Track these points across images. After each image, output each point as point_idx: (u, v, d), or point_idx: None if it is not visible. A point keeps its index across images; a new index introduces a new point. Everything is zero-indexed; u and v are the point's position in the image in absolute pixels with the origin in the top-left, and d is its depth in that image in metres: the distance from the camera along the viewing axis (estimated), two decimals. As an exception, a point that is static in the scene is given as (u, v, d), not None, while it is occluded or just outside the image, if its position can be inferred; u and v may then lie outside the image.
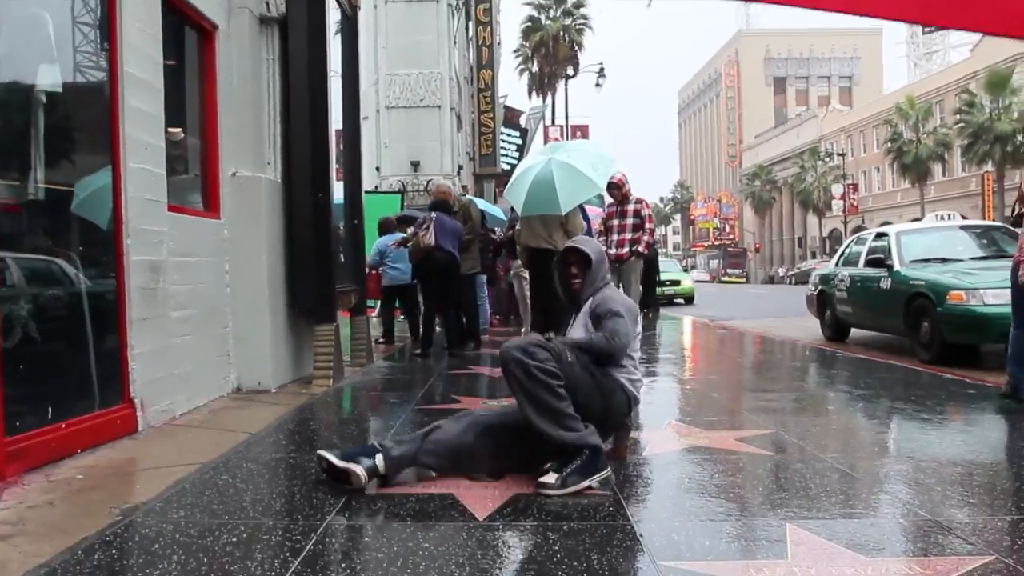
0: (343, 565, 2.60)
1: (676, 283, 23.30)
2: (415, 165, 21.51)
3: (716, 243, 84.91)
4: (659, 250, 23.06)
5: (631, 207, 8.48)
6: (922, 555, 2.51)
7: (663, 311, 17.45)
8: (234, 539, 2.74)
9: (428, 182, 21.34)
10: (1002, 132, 34.93)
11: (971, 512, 2.95)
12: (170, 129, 5.11)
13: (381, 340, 10.60)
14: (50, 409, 3.85)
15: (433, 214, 8.32)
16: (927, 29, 65.57)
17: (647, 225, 8.61)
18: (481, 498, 3.18)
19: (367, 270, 10.77)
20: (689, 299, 23.52)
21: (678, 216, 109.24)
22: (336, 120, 7.57)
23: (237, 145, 5.96)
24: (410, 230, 8.91)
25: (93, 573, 2.45)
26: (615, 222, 8.56)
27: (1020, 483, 3.40)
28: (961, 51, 58.32)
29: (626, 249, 8.42)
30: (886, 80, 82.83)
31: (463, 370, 7.50)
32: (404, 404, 5.64)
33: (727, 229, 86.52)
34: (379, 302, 11.37)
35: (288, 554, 2.59)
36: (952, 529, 2.77)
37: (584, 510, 3.08)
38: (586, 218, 8.81)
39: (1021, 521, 2.83)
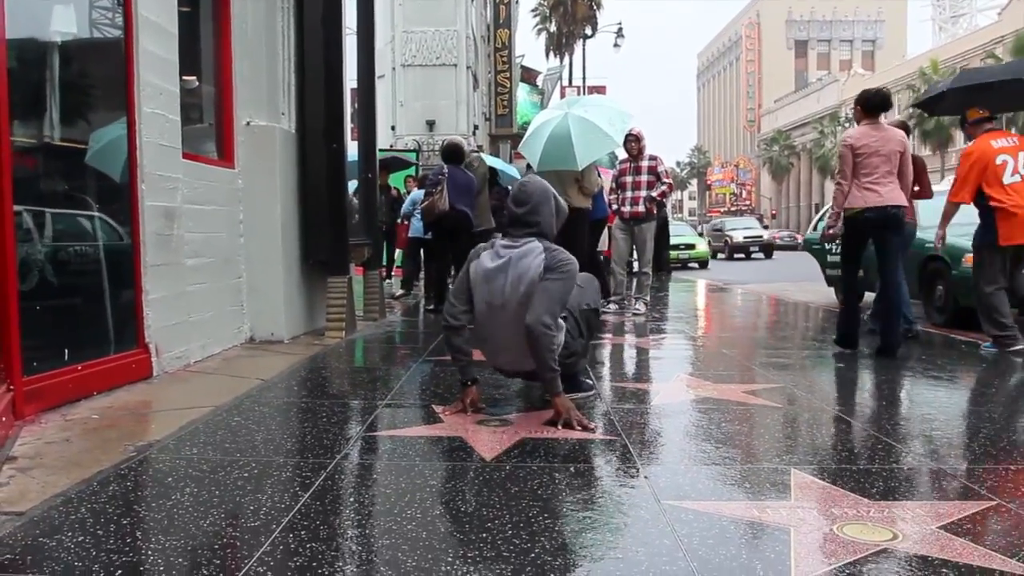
0: (352, 499, 2.65)
1: (691, 247, 23.24)
2: (430, 124, 21.43)
3: (732, 208, 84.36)
4: (671, 214, 22.82)
5: (645, 164, 8.37)
6: (925, 499, 2.52)
7: (676, 274, 17.44)
8: (245, 475, 2.79)
9: (443, 142, 21.29)
10: (1027, 98, 34.32)
11: (976, 462, 2.97)
12: (185, 76, 5.11)
13: (399, 294, 10.69)
14: (67, 352, 3.92)
15: (445, 168, 8.28)
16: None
17: (664, 180, 8.50)
18: (489, 441, 3.22)
19: (399, 220, 10.99)
20: (704, 263, 23.47)
21: (695, 181, 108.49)
22: (351, 77, 7.54)
23: (251, 94, 5.96)
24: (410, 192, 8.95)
25: (108, 503, 2.50)
26: (628, 179, 8.44)
27: (1027, 436, 3.41)
28: (988, 15, 57.18)
29: (641, 207, 8.35)
30: (910, 44, 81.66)
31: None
32: (416, 356, 5.68)
33: (744, 195, 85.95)
34: (403, 252, 11.62)
35: (298, 488, 2.64)
36: (957, 476, 2.78)
37: (590, 453, 3.12)
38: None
39: (1026, 470, 2.84)
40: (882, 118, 5.71)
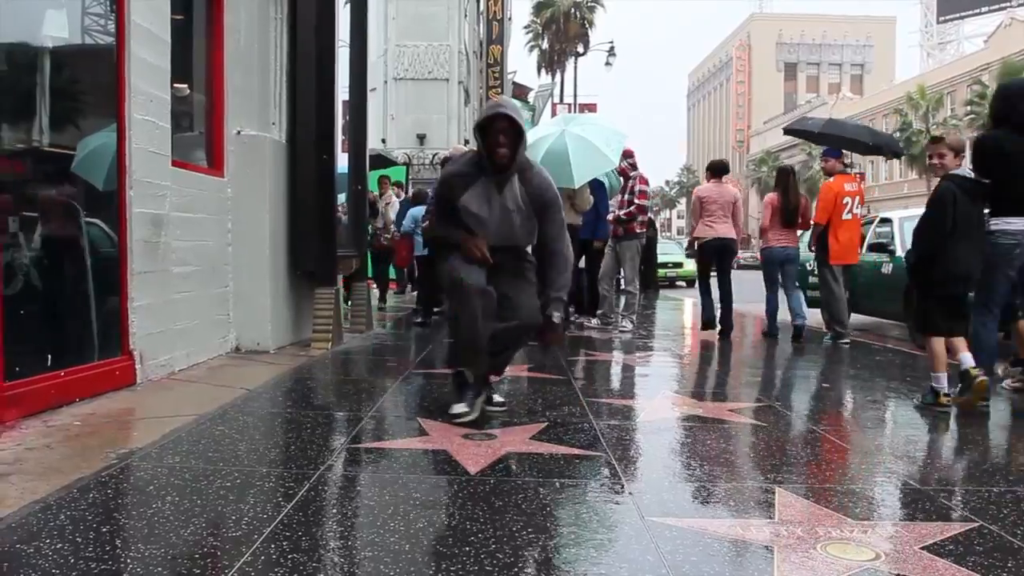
0: (335, 511, 2.63)
1: (678, 265, 23.28)
2: (421, 138, 21.46)
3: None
4: (660, 231, 22.62)
5: (631, 184, 8.44)
6: (908, 520, 2.53)
7: (663, 292, 17.49)
8: (228, 484, 2.77)
9: (434, 156, 21.28)
10: (1012, 125, 34.68)
11: (960, 483, 2.98)
12: (176, 84, 5.10)
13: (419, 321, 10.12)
14: (50, 357, 3.88)
15: None
16: (942, 18, 65.08)
17: (636, 200, 8.37)
18: (474, 455, 3.20)
19: (399, 236, 10.67)
20: (691, 282, 23.49)
21: (683, 200, 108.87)
22: (343, 90, 7.54)
23: (243, 104, 5.96)
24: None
25: (88, 510, 2.47)
26: (617, 198, 8.54)
27: (1010, 459, 3.43)
28: (975, 42, 57.90)
29: (620, 227, 8.42)
30: (898, 69, 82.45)
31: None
32: (402, 368, 5.67)
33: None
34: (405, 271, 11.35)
35: (281, 499, 2.62)
36: (940, 498, 2.79)
37: (575, 468, 3.12)
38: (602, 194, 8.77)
39: (1008, 492, 2.85)
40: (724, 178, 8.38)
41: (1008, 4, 51.90)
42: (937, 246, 4.39)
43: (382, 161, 13.21)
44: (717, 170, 8.36)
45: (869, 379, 5.71)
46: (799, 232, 8.19)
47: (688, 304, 14.27)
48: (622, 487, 2.85)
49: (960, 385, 4.35)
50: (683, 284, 23.05)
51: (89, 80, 4.56)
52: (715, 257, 8.19)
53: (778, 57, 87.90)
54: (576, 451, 3.35)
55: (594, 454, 3.30)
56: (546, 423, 3.82)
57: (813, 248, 8.01)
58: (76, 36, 4.46)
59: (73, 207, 4.30)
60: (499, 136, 3.73)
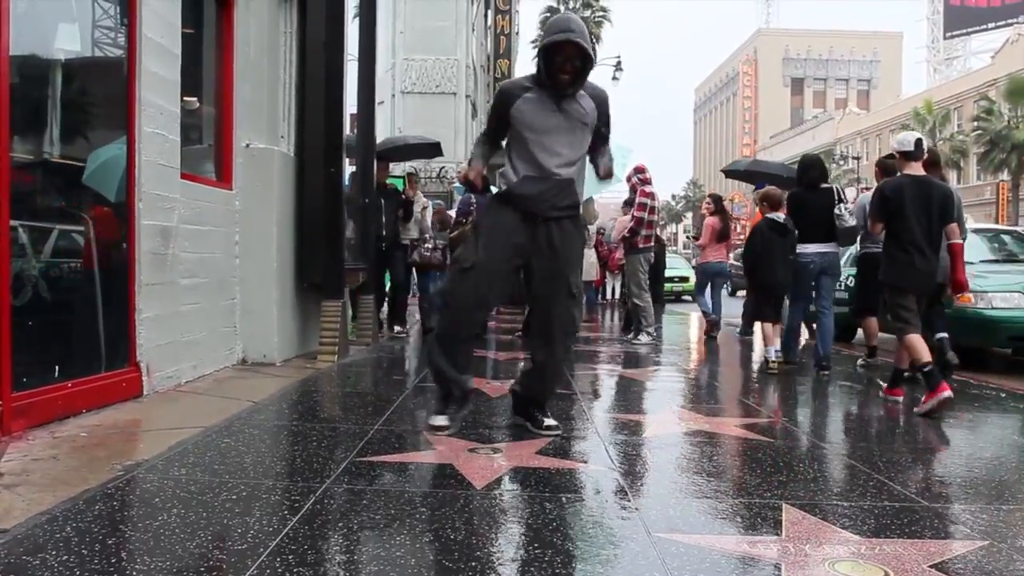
0: (340, 524, 2.62)
1: (684, 279, 23.23)
2: (428, 151, 21.42)
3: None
4: (666, 246, 22.79)
5: (635, 198, 8.50)
6: (916, 537, 2.51)
7: (669, 307, 17.45)
8: (234, 497, 2.76)
9: (441, 169, 21.33)
10: (1020, 140, 34.62)
11: (968, 501, 2.96)
12: (186, 97, 5.13)
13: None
14: (57, 368, 3.89)
15: (473, 196, 8.26)
16: (949, 34, 65.17)
17: (634, 213, 8.46)
18: (480, 469, 3.20)
19: (435, 250, 10.37)
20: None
21: (689, 214, 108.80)
22: (351, 103, 7.58)
23: (252, 117, 5.99)
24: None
25: (94, 522, 2.47)
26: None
27: (1019, 476, 3.40)
28: (982, 58, 57.90)
29: (624, 242, 8.51)
30: (905, 85, 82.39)
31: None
32: (408, 381, 5.67)
33: (738, 229, 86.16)
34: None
35: (287, 512, 2.62)
36: (948, 515, 2.77)
37: (582, 483, 3.11)
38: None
39: (1017, 510, 2.84)
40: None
41: (1015, 20, 51.92)
42: (753, 265, 6.93)
43: (409, 151, 12.65)
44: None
45: (877, 395, 5.68)
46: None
47: (694, 318, 14.23)
48: (629, 502, 2.84)
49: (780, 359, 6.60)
50: (689, 298, 23.00)
51: (100, 93, 4.59)
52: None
53: (785, 72, 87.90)
54: (582, 466, 3.34)
55: (600, 469, 3.29)
56: (552, 437, 3.81)
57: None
58: (88, 49, 4.49)
59: (82, 219, 4.32)
60: (566, 64, 3.61)
